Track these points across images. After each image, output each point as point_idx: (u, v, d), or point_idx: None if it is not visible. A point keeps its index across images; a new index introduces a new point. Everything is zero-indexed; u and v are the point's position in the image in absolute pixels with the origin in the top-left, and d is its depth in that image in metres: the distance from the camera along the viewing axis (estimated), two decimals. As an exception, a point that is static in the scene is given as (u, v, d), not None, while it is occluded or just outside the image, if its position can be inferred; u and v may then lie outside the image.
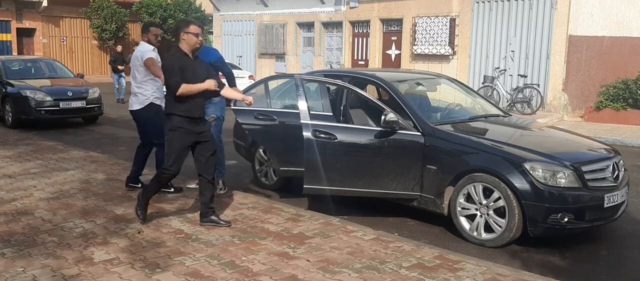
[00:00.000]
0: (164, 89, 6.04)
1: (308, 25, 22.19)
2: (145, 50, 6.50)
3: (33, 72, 14.51)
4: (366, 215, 6.33)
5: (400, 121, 5.78)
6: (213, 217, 5.53)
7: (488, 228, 5.40)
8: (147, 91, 6.53)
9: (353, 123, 6.51)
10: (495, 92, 15.66)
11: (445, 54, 17.45)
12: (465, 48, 17.12)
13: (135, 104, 6.59)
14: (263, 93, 7.20)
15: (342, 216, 6.08)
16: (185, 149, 5.39)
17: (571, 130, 7.31)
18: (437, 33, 17.53)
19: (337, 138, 6.00)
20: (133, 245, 4.97)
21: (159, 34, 6.78)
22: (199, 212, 5.94)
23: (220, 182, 6.75)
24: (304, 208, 6.35)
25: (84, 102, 12.96)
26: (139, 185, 6.78)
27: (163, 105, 6.42)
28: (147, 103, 6.53)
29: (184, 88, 5.17)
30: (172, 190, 6.69)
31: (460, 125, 6.26)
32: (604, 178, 5.44)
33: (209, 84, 5.29)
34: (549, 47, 15.32)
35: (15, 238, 5.13)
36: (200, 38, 5.40)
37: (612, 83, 14.86)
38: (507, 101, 15.39)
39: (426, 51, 17.85)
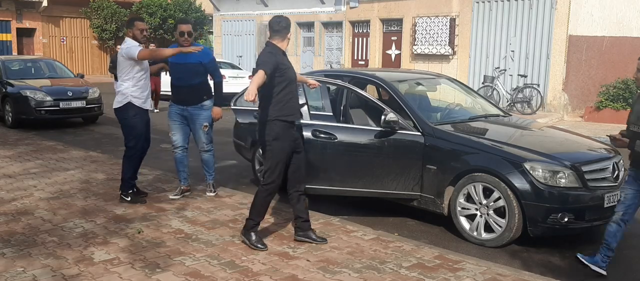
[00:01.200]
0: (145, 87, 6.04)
1: (308, 25, 22.19)
2: (131, 46, 6.03)
3: (33, 72, 14.50)
4: (366, 215, 6.33)
5: (400, 121, 5.78)
6: (311, 233, 5.13)
7: (488, 228, 5.40)
8: (127, 89, 6.12)
9: (353, 123, 6.51)
10: (495, 92, 15.66)
11: (445, 54, 17.45)
12: (465, 48, 17.12)
13: (115, 103, 6.23)
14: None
15: (342, 216, 6.08)
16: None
17: (571, 130, 7.30)
18: (437, 33, 17.53)
19: (337, 138, 6.01)
20: (133, 245, 4.97)
21: (145, 28, 6.31)
22: (198, 212, 5.96)
23: (211, 184, 6.74)
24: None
25: (84, 102, 12.95)
26: (131, 192, 6.39)
27: (146, 105, 6.28)
28: (125, 103, 6.14)
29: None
30: (129, 199, 6.31)
31: (460, 125, 6.26)
32: (604, 178, 5.44)
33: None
34: (549, 47, 15.32)
35: (15, 238, 5.13)
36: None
37: (612, 83, 14.85)
38: (507, 101, 15.39)
39: (426, 51, 17.85)
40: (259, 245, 4.92)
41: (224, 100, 6.52)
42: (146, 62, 6.26)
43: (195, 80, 6.33)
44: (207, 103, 6.45)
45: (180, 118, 6.47)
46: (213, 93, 6.51)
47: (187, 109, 6.42)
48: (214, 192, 6.72)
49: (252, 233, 4.98)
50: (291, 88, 4.85)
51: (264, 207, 4.99)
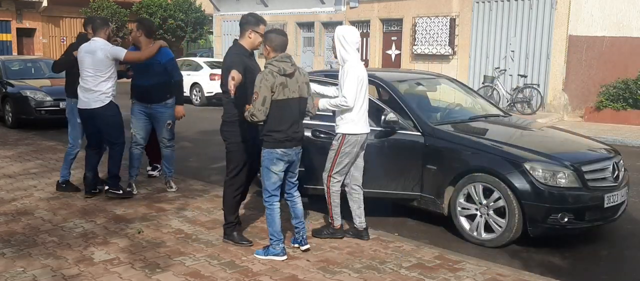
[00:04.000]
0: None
1: (308, 25, 22.19)
2: (114, 47, 6.26)
3: (33, 72, 14.51)
4: (366, 215, 6.32)
5: (400, 121, 5.78)
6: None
7: (488, 228, 5.40)
8: (109, 89, 6.24)
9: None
10: (495, 92, 15.65)
11: (445, 54, 17.45)
12: (465, 48, 17.12)
13: (95, 102, 6.20)
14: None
15: (342, 216, 6.07)
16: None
17: (571, 130, 7.30)
18: (437, 33, 17.53)
19: (337, 138, 5.99)
20: (133, 245, 4.97)
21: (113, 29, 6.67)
22: (198, 212, 5.95)
23: (170, 180, 6.90)
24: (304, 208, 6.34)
25: (84, 102, 12.94)
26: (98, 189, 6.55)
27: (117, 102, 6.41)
28: (107, 102, 6.22)
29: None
30: (121, 192, 6.49)
31: (460, 125, 6.26)
32: (604, 178, 5.44)
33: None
34: (549, 47, 15.32)
35: (15, 238, 5.13)
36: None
37: (612, 83, 14.85)
38: (507, 101, 15.38)
39: (426, 51, 17.84)
40: (244, 242, 5.03)
41: (183, 99, 6.92)
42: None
43: (156, 79, 6.59)
44: (170, 101, 6.75)
45: (143, 116, 6.72)
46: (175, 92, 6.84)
47: (151, 107, 6.68)
48: (173, 188, 6.85)
49: (234, 234, 5.09)
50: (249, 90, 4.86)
51: (235, 205, 5.11)
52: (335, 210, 5.25)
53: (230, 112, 4.91)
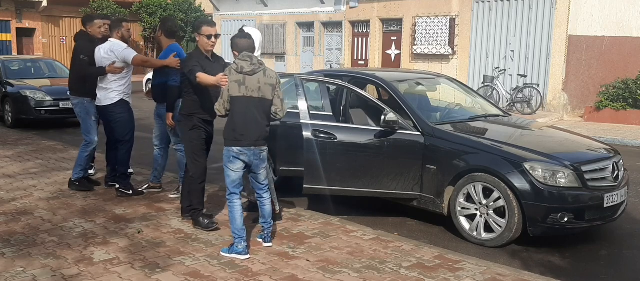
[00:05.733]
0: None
1: (308, 25, 22.18)
2: (125, 48, 6.40)
3: (33, 72, 14.50)
4: (366, 215, 6.33)
5: (400, 121, 5.78)
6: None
7: (488, 228, 5.40)
8: (119, 87, 6.43)
9: (353, 123, 6.50)
10: (495, 92, 15.65)
11: (445, 54, 17.45)
12: (465, 48, 17.12)
13: (105, 100, 6.43)
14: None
15: (342, 216, 6.08)
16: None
17: (571, 130, 7.30)
18: (437, 33, 17.53)
19: (337, 138, 6.00)
20: (133, 245, 4.97)
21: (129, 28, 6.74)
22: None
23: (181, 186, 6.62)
24: (304, 208, 6.35)
25: (84, 102, 12.95)
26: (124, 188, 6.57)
27: (130, 101, 6.61)
28: (117, 100, 6.42)
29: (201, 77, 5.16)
30: (131, 192, 6.57)
31: (460, 125, 6.26)
32: (603, 178, 5.44)
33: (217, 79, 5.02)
34: (549, 47, 15.32)
35: (15, 238, 5.13)
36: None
37: (612, 83, 14.85)
38: (507, 101, 15.38)
39: (426, 51, 17.84)
40: (212, 226, 5.37)
41: (173, 106, 6.18)
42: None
43: (158, 79, 6.54)
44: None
45: (158, 117, 6.72)
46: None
47: (158, 107, 6.69)
48: (177, 194, 6.63)
49: (200, 219, 5.42)
50: (202, 87, 5.19)
51: (201, 193, 5.52)
52: (274, 196, 5.65)
53: (186, 106, 5.38)
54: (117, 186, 6.59)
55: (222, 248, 4.88)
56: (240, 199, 4.84)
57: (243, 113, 4.70)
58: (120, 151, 6.55)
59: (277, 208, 5.71)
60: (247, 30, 5.37)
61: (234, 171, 4.76)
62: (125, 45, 6.44)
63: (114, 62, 6.34)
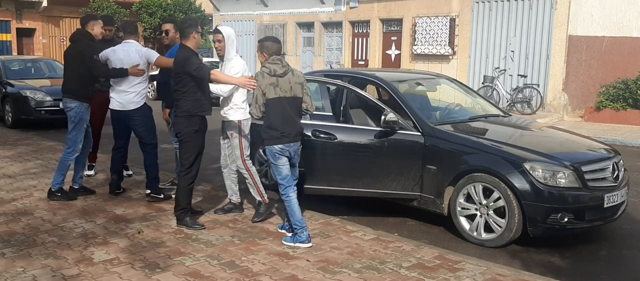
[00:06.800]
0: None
1: (308, 25, 22.18)
2: (147, 49, 6.50)
3: (33, 72, 14.52)
4: (366, 215, 6.33)
5: (400, 121, 5.78)
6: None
7: (488, 228, 5.40)
8: (144, 90, 6.44)
9: (353, 123, 6.50)
10: (495, 92, 15.65)
11: (445, 54, 17.45)
12: (465, 48, 17.12)
13: (130, 104, 6.29)
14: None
15: (342, 216, 6.08)
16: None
17: (571, 130, 7.30)
18: (437, 33, 17.53)
19: (337, 138, 6.01)
20: (133, 245, 4.97)
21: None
22: (198, 212, 5.95)
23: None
24: (304, 208, 6.34)
25: (84, 102, 12.95)
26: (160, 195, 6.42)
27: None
28: (142, 103, 6.39)
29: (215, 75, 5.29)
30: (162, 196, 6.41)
31: (460, 125, 6.26)
32: (603, 178, 5.44)
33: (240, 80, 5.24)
34: (549, 47, 15.32)
35: (15, 238, 5.13)
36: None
37: (612, 83, 14.85)
38: (507, 101, 15.39)
39: (426, 51, 17.84)
40: (196, 226, 5.41)
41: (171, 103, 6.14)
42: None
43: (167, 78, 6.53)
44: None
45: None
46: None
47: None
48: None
49: (186, 218, 5.45)
50: (203, 85, 5.35)
51: (188, 192, 5.48)
52: (262, 188, 5.74)
53: (182, 108, 5.33)
54: (148, 191, 6.41)
55: (284, 237, 5.14)
56: (295, 192, 5.07)
57: (280, 113, 4.97)
58: (149, 154, 6.38)
59: (265, 198, 5.77)
60: (220, 28, 5.65)
61: (283, 166, 5.02)
62: (143, 47, 6.50)
63: (138, 64, 6.27)
